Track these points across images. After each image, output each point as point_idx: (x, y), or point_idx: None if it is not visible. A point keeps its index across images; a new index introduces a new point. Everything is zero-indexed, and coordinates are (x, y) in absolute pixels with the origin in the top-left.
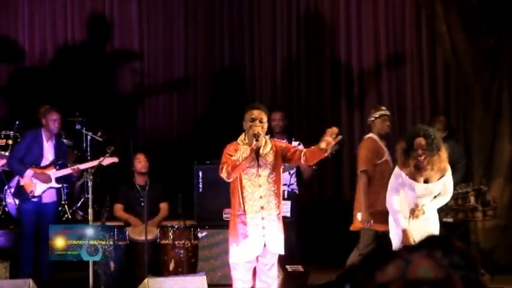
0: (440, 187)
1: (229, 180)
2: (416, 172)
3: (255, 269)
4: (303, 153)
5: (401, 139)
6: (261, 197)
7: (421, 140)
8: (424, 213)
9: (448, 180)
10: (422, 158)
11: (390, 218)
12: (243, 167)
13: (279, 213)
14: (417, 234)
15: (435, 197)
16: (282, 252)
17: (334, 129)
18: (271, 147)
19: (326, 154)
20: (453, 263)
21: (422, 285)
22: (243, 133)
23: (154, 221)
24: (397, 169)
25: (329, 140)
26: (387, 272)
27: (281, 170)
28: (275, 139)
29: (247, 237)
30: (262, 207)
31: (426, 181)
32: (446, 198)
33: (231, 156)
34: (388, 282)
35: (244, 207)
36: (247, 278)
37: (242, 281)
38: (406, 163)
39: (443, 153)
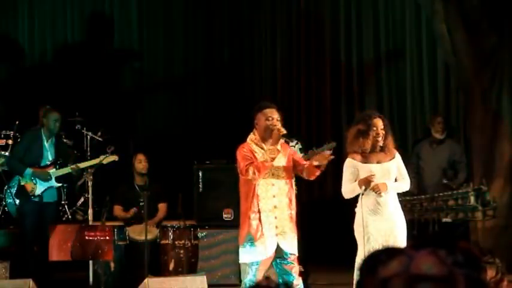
0: (395, 169)
1: (255, 182)
2: (369, 154)
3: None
4: (305, 167)
5: (353, 124)
6: (274, 196)
7: (378, 121)
8: (386, 189)
9: (401, 164)
10: (380, 138)
11: (355, 223)
12: (269, 168)
13: (291, 213)
14: (382, 233)
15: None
16: (296, 252)
17: (327, 155)
18: (282, 148)
19: (320, 170)
20: (456, 262)
21: (425, 280)
22: (252, 133)
23: (153, 221)
24: (348, 160)
25: (321, 159)
26: (390, 267)
27: (292, 171)
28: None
29: (262, 237)
30: (275, 207)
31: (378, 163)
32: (405, 184)
33: (250, 157)
34: (390, 277)
35: (258, 205)
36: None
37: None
38: (363, 143)
39: (392, 136)
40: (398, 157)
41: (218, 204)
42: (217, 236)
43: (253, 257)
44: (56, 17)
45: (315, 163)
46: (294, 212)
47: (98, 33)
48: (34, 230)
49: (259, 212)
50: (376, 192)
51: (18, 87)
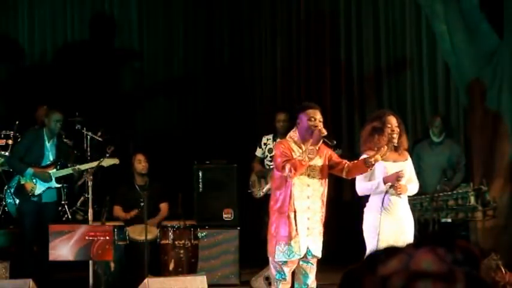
0: (409, 170)
1: (291, 179)
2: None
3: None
4: (345, 166)
5: (367, 123)
6: (308, 197)
7: (392, 118)
8: (406, 191)
9: (412, 167)
10: (395, 135)
11: (365, 223)
12: (305, 167)
13: (322, 215)
14: (392, 234)
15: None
16: (319, 255)
17: (385, 149)
18: (319, 149)
19: (370, 169)
20: (456, 260)
21: (425, 277)
22: (293, 131)
23: (154, 220)
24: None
25: (378, 159)
26: (390, 265)
27: (327, 173)
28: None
29: (297, 236)
30: (308, 208)
31: (394, 161)
32: (415, 186)
33: (288, 154)
34: (390, 275)
35: (294, 205)
36: (289, 278)
37: (285, 282)
38: (379, 140)
39: (405, 135)
40: (410, 160)
41: (218, 204)
42: (217, 236)
43: (288, 256)
44: (56, 17)
45: (372, 161)
46: (324, 215)
47: (97, 33)
48: (34, 230)
49: (294, 211)
50: (397, 192)
51: (18, 87)
